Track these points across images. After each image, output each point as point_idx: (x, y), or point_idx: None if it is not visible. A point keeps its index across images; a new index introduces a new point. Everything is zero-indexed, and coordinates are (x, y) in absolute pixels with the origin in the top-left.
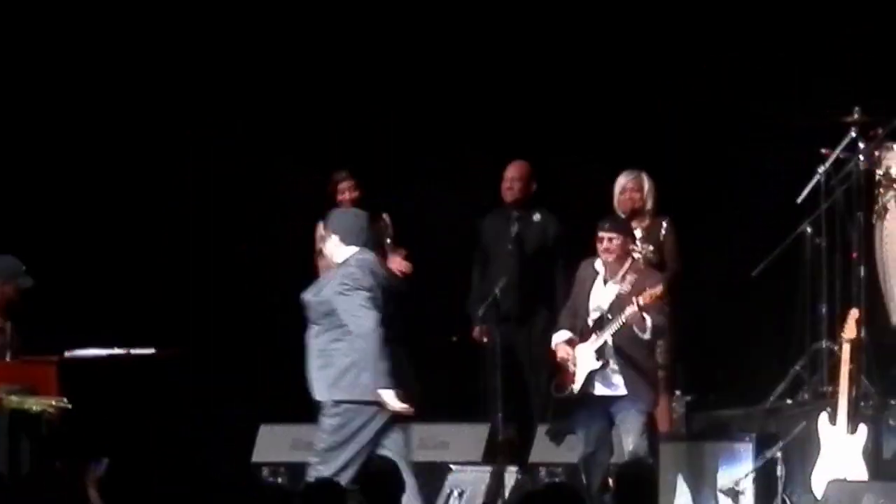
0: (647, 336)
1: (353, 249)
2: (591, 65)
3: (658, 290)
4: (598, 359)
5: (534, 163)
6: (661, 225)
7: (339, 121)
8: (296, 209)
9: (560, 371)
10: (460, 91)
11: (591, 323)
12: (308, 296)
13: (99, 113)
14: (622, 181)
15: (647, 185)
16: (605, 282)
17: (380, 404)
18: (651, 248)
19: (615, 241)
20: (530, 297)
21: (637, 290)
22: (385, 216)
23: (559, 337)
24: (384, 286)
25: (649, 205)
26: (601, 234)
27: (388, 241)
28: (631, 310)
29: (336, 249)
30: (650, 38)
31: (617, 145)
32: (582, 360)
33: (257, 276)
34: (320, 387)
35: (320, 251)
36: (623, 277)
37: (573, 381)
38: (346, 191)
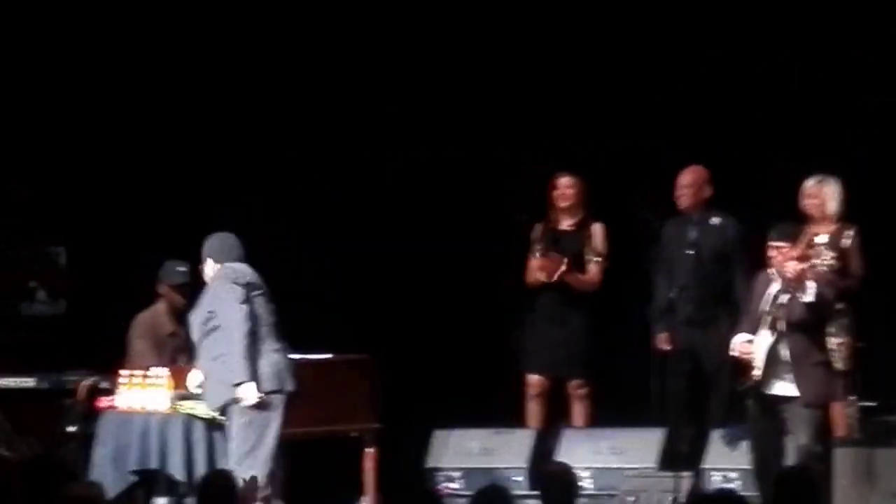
0: (808, 299)
1: (218, 266)
2: (783, 66)
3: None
4: (772, 334)
5: (719, 166)
6: (845, 232)
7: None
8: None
9: (741, 366)
10: (645, 97)
11: (768, 319)
12: (192, 317)
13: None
14: (806, 186)
15: (828, 190)
16: (781, 289)
17: None
18: (833, 254)
19: (784, 250)
20: (710, 301)
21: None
22: (597, 225)
23: (739, 338)
24: (262, 291)
25: (831, 210)
26: (770, 243)
27: (593, 252)
28: (791, 264)
29: (210, 270)
30: (846, 37)
31: (809, 148)
32: (759, 348)
33: (437, 281)
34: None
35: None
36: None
37: (753, 371)
38: (565, 189)
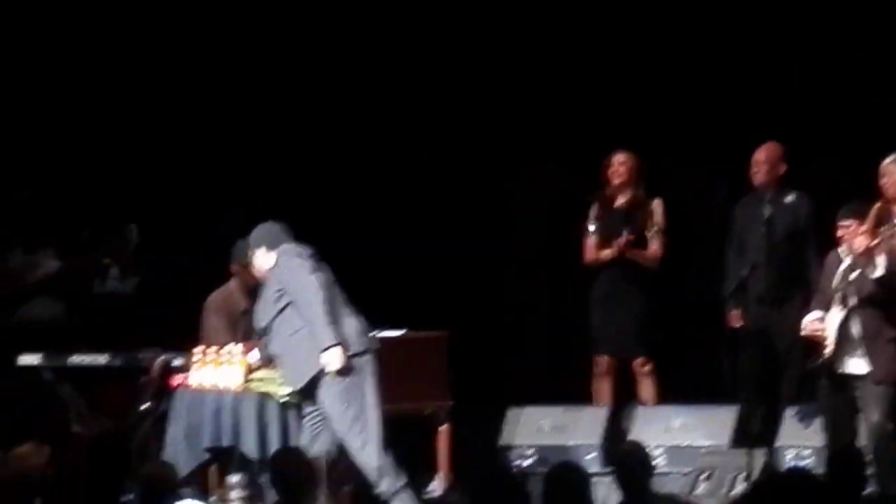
0: (877, 274)
1: (274, 253)
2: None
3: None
4: (842, 310)
5: (790, 143)
6: None
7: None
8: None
9: (812, 344)
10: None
11: (839, 296)
12: (258, 307)
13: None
14: (883, 164)
15: None
16: (850, 266)
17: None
18: None
19: (851, 228)
20: (783, 279)
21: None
22: (656, 201)
23: (810, 317)
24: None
25: None
26: (838, 223)
27: (655, 227)
28: (859, 240)
29: (265, 260)
30: None
31: (886, 126)
32: (830, 326)
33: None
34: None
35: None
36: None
37: (824, 349)
38: (618, 167)
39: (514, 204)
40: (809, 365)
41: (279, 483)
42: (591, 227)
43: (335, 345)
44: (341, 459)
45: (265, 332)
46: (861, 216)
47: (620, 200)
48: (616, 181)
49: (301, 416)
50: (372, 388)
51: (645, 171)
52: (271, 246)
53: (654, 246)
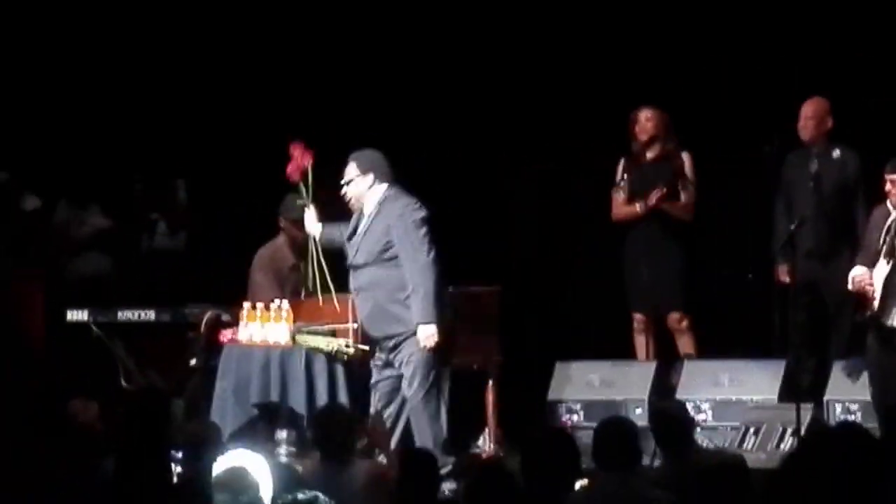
0: None
1: (385, 186)
2: None
3: None
4: (889, 262)
5: (838, 99)
6: None
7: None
8: None
9: (860, 298)
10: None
11: (884, 251)
12: (358, 239)
13: None
14: None
15: None
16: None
17: None
18: None
19: None
20: (832, 233)
21: None
22: (685, 154)
23: (856, 271)
24: None
25: None
26: (886, 176)
27: (686, 180)
28: None
29: (367, 186)
30: None
31: None
32: (877, 279)
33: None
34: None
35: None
36: None
37: (873, 301)
38: (644, 123)
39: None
40: (857, 319)
41: (321, 440)
42: (620, 183)
43: (433, 323)
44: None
45: (358, 268)
46: None
47: (649, 156)
48: (643, 137)
49: (372, 379)
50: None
51: (672, 126)
52: (380, 178)
53: (685, 198)
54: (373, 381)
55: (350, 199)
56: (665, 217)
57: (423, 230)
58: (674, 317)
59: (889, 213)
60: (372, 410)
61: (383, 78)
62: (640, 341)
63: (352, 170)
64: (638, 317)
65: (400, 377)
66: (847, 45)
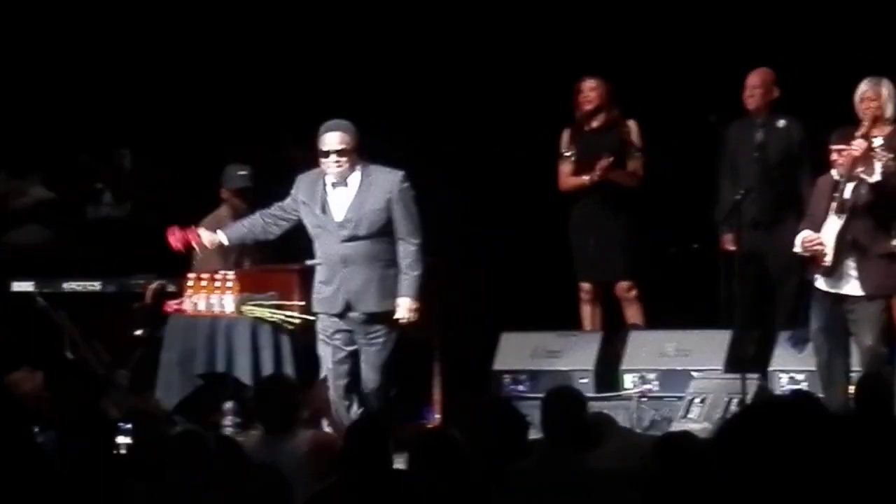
0: (875, 178)
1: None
2: None
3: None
4: (839, 216)
5: (779, 69)
6: None
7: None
8: None
9: (809, 258)
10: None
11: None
12: (355, 206)
13: None
14: (862, 88)
15: (884, 92)
16: (845, 179)
17: None
18: (892, 156)
19: (844, 151)
20: (776, 203)
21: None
22: (631, 122)
23: (803, 234)
24: None
25: (888, 112)
26: (831, 146)
27: (633, 148)
28: (859, 142)
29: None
30: None
31: (864, 50)
32: (828, 236)
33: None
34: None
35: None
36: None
37: (823, 259)
38: (588, 93)
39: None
40: (807, 277)
41: (263, 411)
42: (566, 153)
43: (413, 299)
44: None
45: (352, 239)
46: (850, 140)
47: (594, 125)
48: (587, 107)
49: (328, 342)
50: None
51: (616, 95)
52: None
53: (633, 165)
54: (336, 358)
55: (341, 169)
56: (612, 186)
57: (416, 208)
58: (622, 286)
59: (834, 181)
60: (333, 392)
61: (326, 44)
62: (587, 311)
63: (348, 139)
64: (585, 286)
65: (356, 353)
66: (791, 14)
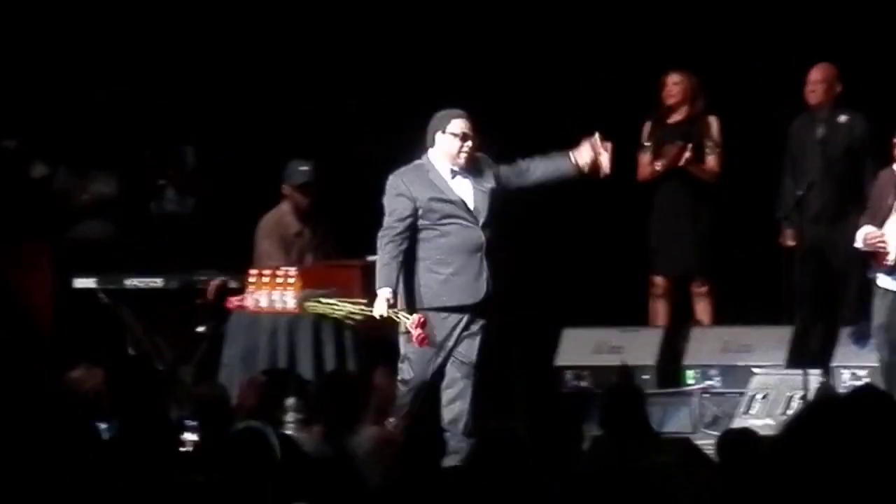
0: None
1: None
2: None
3: None
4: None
5: (842, 63)
6: None
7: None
8: None
9: (871, 254)
10: None
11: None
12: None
13: None
14: None
15: None
16: None
17: None
18: None
19: None
20: (839, 198)
21: None
22: (712, 118)
23: (864, 230)
24: None
25: None
26: (894, 140)
27: (711, 143)
28: None
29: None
30: None
31: None
32: (891, 234)
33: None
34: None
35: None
36: None
37: (886, 257)
38: (672, 87)
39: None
40: (869, 276)
41: (325, 407)
42: (646, 144)
43: None
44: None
45: (484, 226)
46: None
47: (675, 119)
48: (670, 101)
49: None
50: None
51: (701, 90)
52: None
53: (711, 161)
54: (441, 358)
55: (469, 155)
56: (691, 179)
57: None
58: (696, 282)
59: (893, 178)
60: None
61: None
62: (659, 306)
63: (471, 126)
64: (658, 280)
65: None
66: (855, 8)
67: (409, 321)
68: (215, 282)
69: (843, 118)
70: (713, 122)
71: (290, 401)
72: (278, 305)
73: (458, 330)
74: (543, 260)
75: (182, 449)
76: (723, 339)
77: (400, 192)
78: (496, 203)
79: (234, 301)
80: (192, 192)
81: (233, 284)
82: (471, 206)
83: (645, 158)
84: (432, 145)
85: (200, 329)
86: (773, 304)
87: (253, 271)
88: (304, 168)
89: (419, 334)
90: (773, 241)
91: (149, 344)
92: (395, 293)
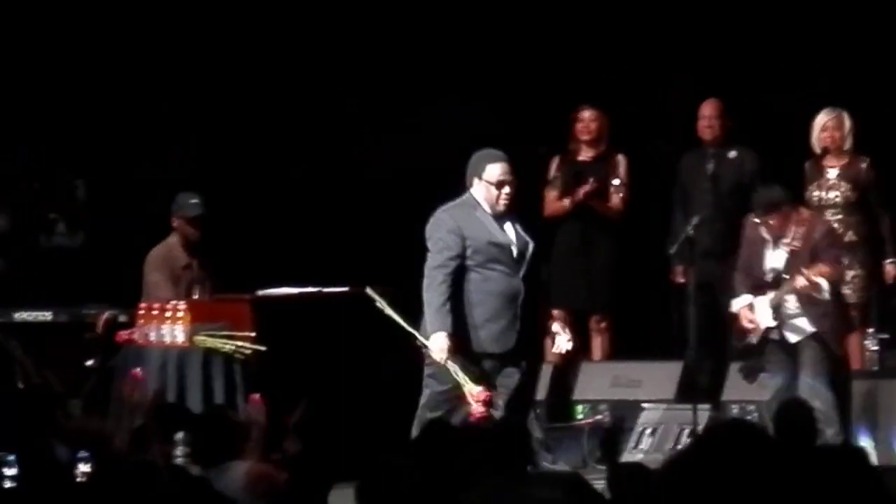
0: (825, 297)
1: None
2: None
3: (826, 270)
4: (774, 318)
5: (732, 100)
6: (860, 165)
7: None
8: None
9: (739, 325)
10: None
11: (768, 279)
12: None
13: None
14: (822, 119)
15: (847, 124)
16: (775, 242)
17: None
18: (849, 186)
19: (774, 222)
20: (728, 234)
21: (808, 245)
22: (620, 156)
23: (740, 303)
24: None
25: (848, 144)
26: (754, 219)
27: (617, 181)
28: (801, 282)
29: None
30: None
31: (816, 82)
32: (761, 314)
33: None
34: None
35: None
36: (790, 236)
37: (754, 333)
38: (589, 123)
39: None
40: (736, 344)
41: (196, 445)
42: (553, 179)
43: None
44: None
45: (521, 260)
46: (778, 208)
47: (585, 155)
48: (585, 137)
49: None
50: None
51: (611, 127)
52: None
53: (617, 199)
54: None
55: (511, 201)
56: (595, 216)
57: None
58: (596, 318)
59: (764, 238)
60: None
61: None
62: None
63: (510, 170)
64: (557, 314)
65: None
66: (740, 43)
67: (474, 391)
68: (104, 315)
69: (732, 153)
70: (622, 161)
71: (179, 435)
72: (167, 339)
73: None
74: None
75: (77, 480)
76: (612, 374)
77: (451, 229)
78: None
79: (123, 335)
80: (82, 225)
81: (122, 318)
82: (514, 253)
83: (552, 194)
84: (471, 187)
85: (90, 363)
86: (663, 339)
87: (142, 305)
88: (195, 201)
89: (482, 412)
90: (664, 276)
91: (38, 377)
92: (450, 336)
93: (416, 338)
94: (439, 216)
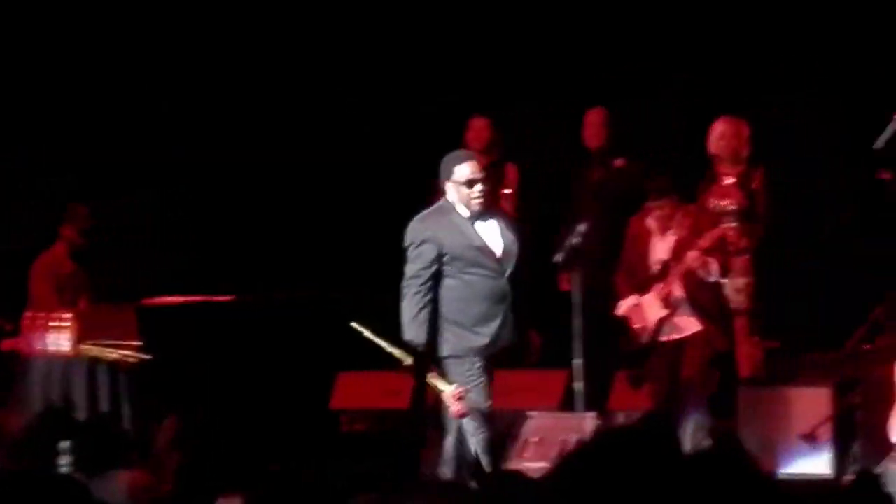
0: (713, 278)
1: None
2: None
3: (719, 231)
4: (665, 307)
5: (616, 108)
6: (754, 174)
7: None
8: None
9: (628, 327)
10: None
11: (655, 271)
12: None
13: None
14: (719, 127)
15: (742, 131)
16: (662, 232)
17: None
18: (744, 193)
19: (663, 211)
20: (614, 242)
21: (697, 231)
22: (509, 165)
23: (626, 304)
24: None
25: (744, 151)
26: (648, 205)
27: (507, 190)
28: (693, 254)
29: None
30: None
31: (709, 91)
32: (650, 311)
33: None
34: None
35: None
36: (679, 223)
37: (643, 333)
38: (479, 132)
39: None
40: (625, 350)
41: (78, 453)
42: None
43: None
44: None
45: (505, 260)
46: (670, 194)
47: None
48: (476, 146)
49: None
50: None
51: (502, 137)
52: None
53: (508, 207)
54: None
55: (484, 199)
56: None
57: None
58: None
59: (649, 229)
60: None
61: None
62: None
63: (479, 167)
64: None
65: None
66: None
67: (446, 390)
68: None
69: (618, 161)
70: (511, 170)
71: (64, 443)
72: (53, 348)
73: (484, 376)
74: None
75: None
76: (498, 383)
77: (424, 239)
78: (516, 252)
79: (7, 343)
80: None
81: (7, 327)
82: (498, 253)
83: None
84: (445, 192)
85: None
86: (548, 347)
87: (28, 314)
88: (86, 211)
89: (459, 409)
90: (551, 284)
91: None
92: (427, 345)
93: (402, 363)
94: (413, 226)
